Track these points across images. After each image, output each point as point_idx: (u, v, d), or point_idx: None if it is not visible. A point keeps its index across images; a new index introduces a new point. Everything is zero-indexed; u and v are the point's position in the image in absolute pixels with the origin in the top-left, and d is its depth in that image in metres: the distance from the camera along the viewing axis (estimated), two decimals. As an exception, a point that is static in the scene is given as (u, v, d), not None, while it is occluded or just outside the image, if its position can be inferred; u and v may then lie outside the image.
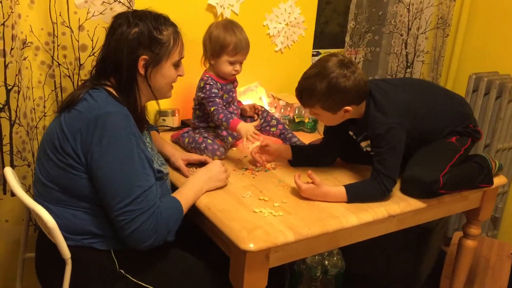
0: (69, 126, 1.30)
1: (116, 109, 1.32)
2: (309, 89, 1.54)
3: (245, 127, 1.69)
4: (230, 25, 1.80)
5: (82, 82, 1.49)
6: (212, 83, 1.81)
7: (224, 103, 1.86)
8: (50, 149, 1.34)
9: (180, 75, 1.53)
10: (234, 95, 1.92)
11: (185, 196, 1.46)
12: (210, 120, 1.86)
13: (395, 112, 1.58)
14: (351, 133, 1.73)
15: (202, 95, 1.80)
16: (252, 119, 1.98)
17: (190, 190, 1.50)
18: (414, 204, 1.59)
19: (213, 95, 1.79)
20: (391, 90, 1.63)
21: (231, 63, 1.81)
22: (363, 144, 1.71)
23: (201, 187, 1.52)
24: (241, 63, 1.84)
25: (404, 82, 1.76)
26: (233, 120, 1.72)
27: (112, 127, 1.28)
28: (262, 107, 2.02)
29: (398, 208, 1.55)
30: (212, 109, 1.77)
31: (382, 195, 1.56)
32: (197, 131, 1.89)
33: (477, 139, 1.73)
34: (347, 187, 1.56)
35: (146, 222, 1.28)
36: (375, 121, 1.58)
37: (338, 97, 1.52)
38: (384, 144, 1.56)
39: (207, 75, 1.83)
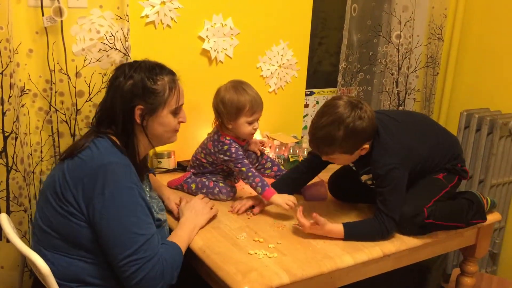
0: (71, 174, 1.32)
1: (117, 159, 1.34)
2: (327, 138, 1.52)
3: (281, 198, 1.67)
4: (239, 85, 1.78)
5: (87, 131, 1.51)
6: (237, 146, 1.78)
7: None
8: (51, 195, 1.35)
9: (181, 122, 1.54)
10: (245, 154, 1.92)
11: (181, 238, 1.47)
12: (217, 172, 1.87)
13: (399, 152, 1.58)
14: (351, 164, 1.74)
15: (226, 158, 1.77)
16: (255, 154, 2.00)
17: (184, 231, 1.52)
18: (409, 242, 1.59)
19: (241, 156, 1.76)
20: (396, 127, 1.63)
21: (250, 123, 1.78)
22: (364, 177, 1.73)
23: (193, 226, 1.55)
24: (257, 120, 1.82)
25: (407, 119, 1.74)
26: (269, 189, 1.70)
27: (113, 178, 1.29)
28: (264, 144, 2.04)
29: (393, 247, 1.55)
30: (244, 169, 1.74)
31: (381, 235, 1.57)
32: (200, 174, 1.89)
33: (464, 178, 1.74)
34: (345, 225, 1.57)
35: (153, 270, 1.28)
36: (378, 160, 1.58)
37: (357, 139, 1.54)
38: (386, 184, 1.57)
39: (228, 138, 1.79)
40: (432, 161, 1.69)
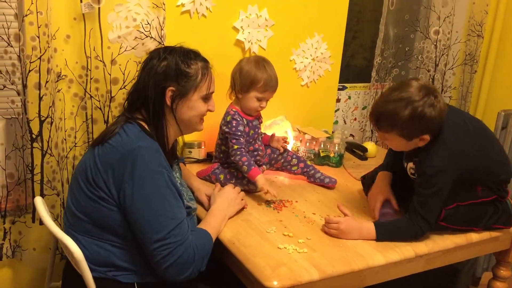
0: (102, 160, 1.33)
1: (147, 144, 1.35)
2: (390, 114, 1.46)
3: (263, 181, 1.71)
4: (261, 62, 1.81)
5: (116, 117, 1.53)
6: (238, 119, 1.81)
7: (250, 139, 1.86)
8: (82, 180, 1.36)
9: (210, 110, 1.54)
10: (259, 131, 1.93)
11: (211, 226, 1.48)
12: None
13: (455, 157, 1.49)
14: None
15: (227, 129, 1.80)
16: (278, 150, 2.00)
17: (215, 219, 1.52)
18: (442, 244, 1.55)
19: (239, 133, 1.78)
20: (462, 129, 1.54)
21: (259, 99, 1.82)
22: (409, 165, 1.66)
23: (224, 214, 1.56)
24: (267, 100, 1.85)
25: (475, 123, 1.63)
26: (255, 168, 1.74)
27: (143, 162, 1.30)
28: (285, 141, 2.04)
29: (426, 247, 1.52)
30: (236, 147, 1.77)
31: (414, 236, 1.53)
32: (227, 165, 1.89)
33: (502, 198, 1.65)
34: (377, 224, 1.54)
35: (184, 254, 1.29)
36: (431, 158, 1.50)
37: (420, 126, 1.45)
38: (429, 186, 1.50)
39: (234, 110, 1.83)
40: (480, 175, 1.60)
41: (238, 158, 1.75)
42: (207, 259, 1.39)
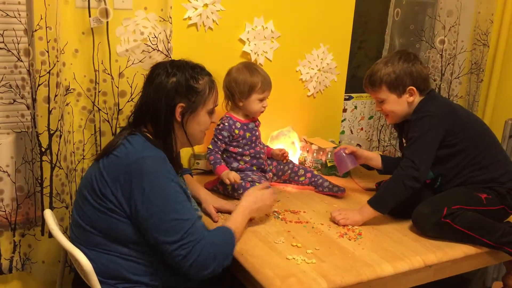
0: (108, 171, 1.34)
1: (153, 153, 1.36)
2: (376, 69, 1.74)
3: (227, 173, 1.77)
4: (251, 66, 1.89)
5: (120, 129, 1.54)
6: (226, 124, 1.87)
7: (248, 142, 1.90)
8: (89, 193, 1.37)
9: (213, 122, 1.57)
10: (257, 133, 1.95)
11: (234, 221, 1.48)
12: (240, 159, 1.89)
13: (443, 108, 1.67)
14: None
15: (215, 131, 1.88)
16: (281, 162, 2.02)
17: (240, 215, 1.51)
18: (451, 253, 1.54)
19: (220, 136, 1.86)
20: (453, 102, 1.77)
21: (261, 100, 1.89)
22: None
23: (248, 212, 1.54)
24: (266, 99, 1.92)
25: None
26: (220, 166, 1.81)
27: (150, 170, 1.31)
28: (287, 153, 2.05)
29: (435, 257, 1.51)
30: (210, 146, 1.86)
31: (403, 183, 1.59)
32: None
33: (510, 209, 1.67)
34: (369, 200, 1.65)
35: (203, 251, 1.30)
36: (419, 108, 1.69)
37: (401, 75, 1.68)
38: (417, 129, 1.63)
39: (227, 115, 1.91)
40: (480, 160, 1.65)
41: (207, 157, 1.85)
42: (232, 254, 1.39)
